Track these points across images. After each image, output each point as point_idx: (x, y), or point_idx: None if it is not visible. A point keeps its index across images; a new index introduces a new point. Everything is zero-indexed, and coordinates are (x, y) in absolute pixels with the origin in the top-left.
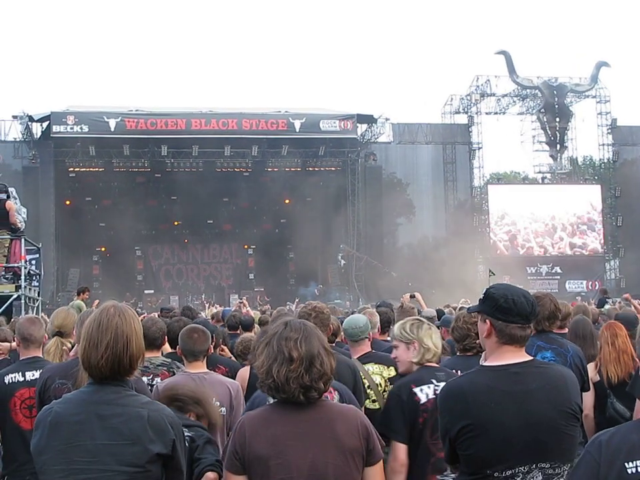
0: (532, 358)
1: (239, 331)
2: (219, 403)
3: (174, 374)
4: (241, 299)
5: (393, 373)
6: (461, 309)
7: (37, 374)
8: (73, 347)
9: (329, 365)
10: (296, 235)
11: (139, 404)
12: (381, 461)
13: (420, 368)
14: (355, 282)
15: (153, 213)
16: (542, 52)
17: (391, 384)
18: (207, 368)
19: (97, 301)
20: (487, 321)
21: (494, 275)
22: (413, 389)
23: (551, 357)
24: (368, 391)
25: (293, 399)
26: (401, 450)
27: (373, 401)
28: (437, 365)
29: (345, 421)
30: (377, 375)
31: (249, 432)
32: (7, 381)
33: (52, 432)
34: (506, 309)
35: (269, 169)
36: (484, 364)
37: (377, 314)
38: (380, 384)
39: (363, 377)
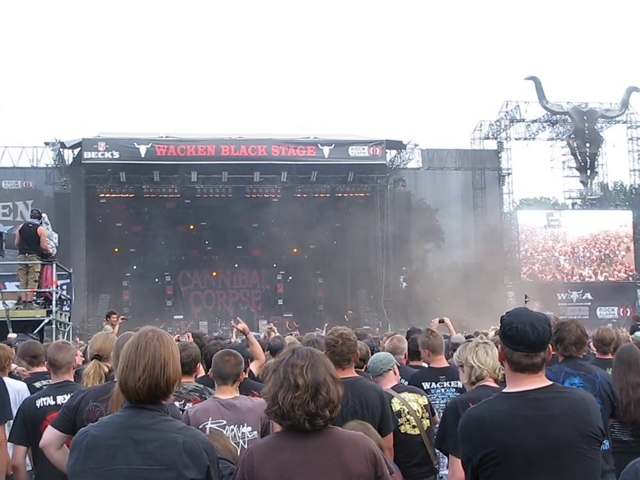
0: (552, 383)
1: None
2: (250, 428)
3: (205, 399)
4: (270, 325)
5: (425, 401)
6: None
7: (67, 397)
8: (110, 371)
9: (335, 392)
10: (325, 260)
11: (175, 429)
12: None
13: (477, 387)
14: (384, 308)
15: (182, 238)
16: (572, 77)
17: (426, 411)
18: (242, 393)
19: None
20: (499, 346)
21: (528, 299)
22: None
23: (579, 383)
24: (408, 417)
25: (299, 427)
26: (459, 465)
27: (413, 427)
28: (494, 385)
29: (352, 448)
30: (414, 402)
31: (257, 460)
32: (38, 405)
33: (88, 455)
34: (510, 337)
35: (298, 195)
36: (503, 390)
37: (404, 340)
38: (418, 410)
39: (400, 403)
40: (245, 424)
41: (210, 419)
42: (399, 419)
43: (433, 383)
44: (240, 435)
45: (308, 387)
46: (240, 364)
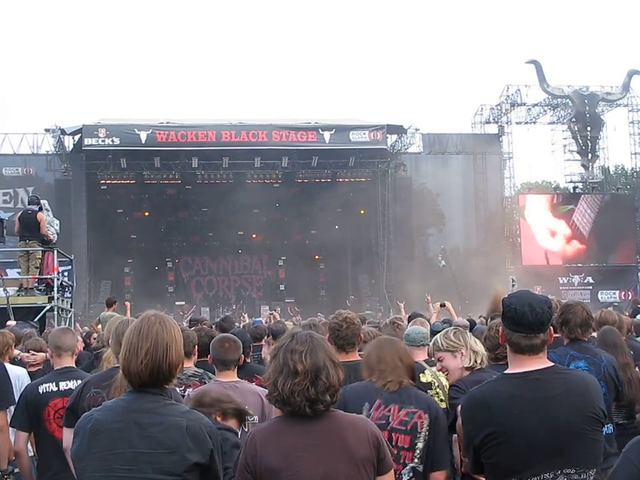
0: (553, 364)
1: (263, 342)
2: (251, 412)
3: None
4: (272, 311)
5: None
6: (492, 318)
7: (70, 384)
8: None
9: (335, 377)
10: (326, 246)
11: (178, 413)
12: (392, 470)
13: (475, 371)
14: (386, 293)
15: (183, 224)
16: (573, 61)
17: None
18: (244, 378)
19: (128, 304)
20: (500, 328)
21: (515, 284)
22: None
23: (585, 367)
24: (437, 390)
25: (300, 412)
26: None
27: (441, 401)
28: (485, 368)
29: (354, 431)
30: (443, 377)
31: (260, 444)
32: (41, 391)
33: (92, 439)
34: (509, 318)
35: (299, 180)
36: (505, 372)
37: (428, 324)
38: (446, 385)
39: (432, 375)
40: (246, 407)
41: None
42: (429, 391)
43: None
44: None
45: (307, 372)
46: (239, 349)
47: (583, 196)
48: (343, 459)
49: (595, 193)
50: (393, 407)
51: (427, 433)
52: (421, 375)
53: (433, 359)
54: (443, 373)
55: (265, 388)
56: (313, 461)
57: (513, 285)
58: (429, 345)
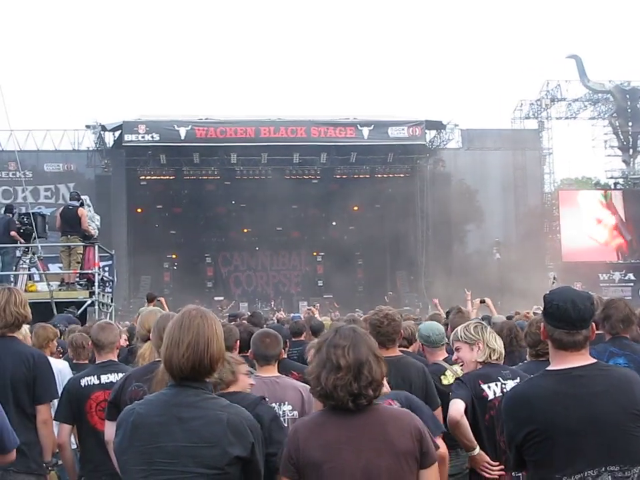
0: (596, 361)
1: (302, 337)
2: (291, 407)
3: None
4: (310, 307)
5: None
6: (534, 314)
7: (111, 377)
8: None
9: (379, 371)
10: (364, 241)
11: (219, 407)
12: (436, 463)
13: (485, 365)
14: (424, 289)
15: (222, 220)
16: (614, 55)
17: None
18: (280, 373)
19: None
20: (542, 324)
21: (555, 281)
22: (481, 385)
23: (624, 363)
24: None
25: (342, 406)
26: (454, 403)
27: None
28: (501, 364)
29: (397, 424)
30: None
31: (302, 437)
32: (82, 384)
33: (134, 432)
34: (551, 314)
35: (337, 176)
36: (547, 368)
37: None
38: None
39: (452, 376)
40: (286, 402)
41: None
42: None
43: None
44: (281, 412)
45: (350, 367)
46: (279, 343)
47: (623, 191)
48: (384, 452)
49: (636, 188)
50: None
51: None
52: (442, 376)
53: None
54: (458, 363)
55: (306, 383)
56: (354, 454)
57: (554, 282)
58: (447, 342)
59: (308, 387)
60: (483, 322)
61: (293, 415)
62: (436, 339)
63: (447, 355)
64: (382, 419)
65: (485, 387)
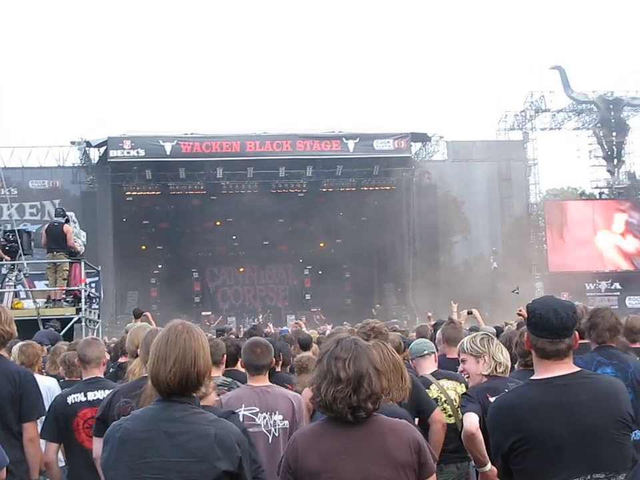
0: (579, 369)
1: (293, 350)
2: (282, 416)
3: None
4: (297, 320)
5: (464, 389)
6: (521, 324)
7: (98, 394)
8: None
9: (378, 384)
10: (351, 254)
11: (206, 422)
12: (434, 475)
13: (492, 378)
14: (412, 301)
15: (209, 235)
16: (597, 66)
17: None
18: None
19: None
20: (525, 334)
21: (517, 291)
22: (489, 398)
23: (612, 373)
24: (444, 405)
25: (342, 418)
26: (469, 417)
27: (449, 416)
28: (506, 376)
29: (396, 436)
30: (452, 390)
31: (301, 447)
32: (69, 402)
33: (121, 448)
34: (534, 324)
35: (323, 189)
36: (531, 377)
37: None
38: (455, 399)
39: (438, 391)
40: (277, 412)
41: (243, 405)
42: None
43: None
44: (272, 422)
45: (350, 380)
46: (270, 354)
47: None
48: (383, 463)
49: (620, 198)
50: None
51: None
52: (427, 390)
53: (441, 371)
54: (464, 374)
55: (297, 392)
56: (353, 465)
57: (517, 292)
58: (434, 352)
59: (299, 395)
60: (489, 334)
61: (284, 425)
62: (417, 348)
63: (435, 368)
64: (381, 430)
65: (492, 399)
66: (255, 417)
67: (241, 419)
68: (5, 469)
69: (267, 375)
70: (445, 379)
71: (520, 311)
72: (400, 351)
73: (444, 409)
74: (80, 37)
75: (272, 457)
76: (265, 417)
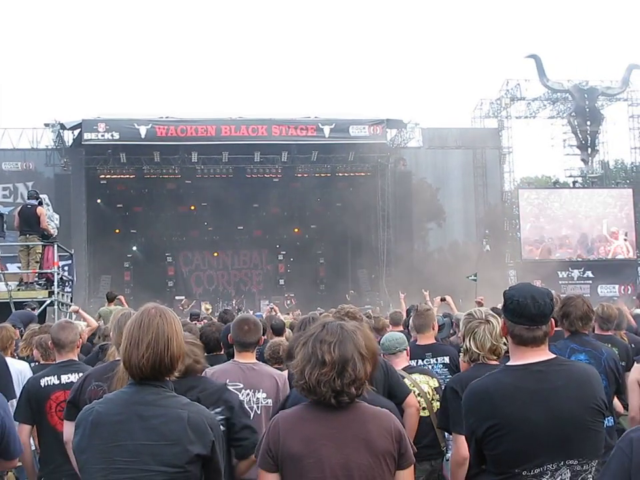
0: (555, 356)
1: (266, 336)
2: (265, 394)
3: None
4: (271, 305)
5: (436, 384)
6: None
7: (72, 377)
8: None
9: (362, 370)
10: (326, 240)
11: (179, 405)
12: (412, 465)
13: (475, 365)
14: (386, 287)
15: (183, 219)
16: (572, 55)
17: (436, 394)
18: None
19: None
20: (502, 320)
21: (475, 279)
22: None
23: (585, 360)
24: (418, 398)
25: (325, 402)
26: (463, 442)
27: (423, 409)
28: (495, 363)
29: (378, 424)
30: (424, 383)
31: (283, 430)
32: (42, 384)
33: (93, 431)
34: (511, 310)
35: (298, 175)
36: (507, 364)
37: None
38: (428, 392)
39: (411, 385)
40: (261, 390)
41: (227, 380)
42: None
43: (420, 360)
44: (255, 399)
45: (335, 363)
46: (258, 331)
47: (581, 190)
48: (364, 450)
49: (594, 187)
50: None
51: None
52: None
53: (413, 365)
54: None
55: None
56: (334, 450)
57: (472, 278)
58: (406, 348)
59: (285, 374)
60: (476, 316)
61: (267, 403)
62: (390, 345)
63: (407, 364)
64: (363, 417)
65: None
66: (238, 393)
67: None
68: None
69: (255, 352)
70: (417, 373)
71: (481, 299)
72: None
73: (418, 401)
74: (54, 18)
75: None
76: (248, 394)
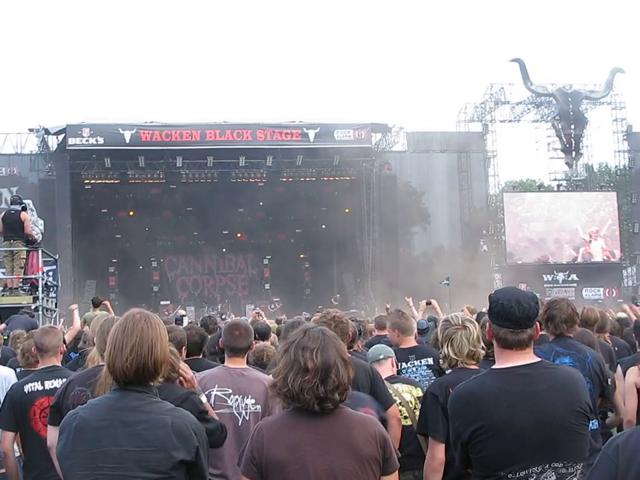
0: (540, 359)
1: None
2: (254, 400)
3: None
4: (257, 310)
5: (420, 393)
6: (480, 314)
7: (55, 382)
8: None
9: (346, 375)
10: (311, 244)
11: (163, 411)
12: (397, 471)
13: (455, 370)
14: (371, 291)
15: (168, 224)
16: (556, 59)
17: (419, 402)
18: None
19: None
20: (487, 323)
21: (448, 284)
22: (450, 392)
23: (570, 363)
24: (400, 407)
25: (308, 409)
26: (439, 448)
27: (405, 418)
28: (474, 367)
29: (362, 429)
30: (407, 393)
31: (267, 437)
32: (26, 390)
33: (77, 437)
34: (496, 313)
35: (283, 179)
36: (492, 367)
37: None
38: (410, 401)
39: (394, 394)
40: (250, 395)
41: (216, 385)
42: None
43: (404, 363)
44: (243, 405)
45: (318, 370)
46: (249, 336)
47: (565, 194)
48: (349, 456)
49: (578, 190)
50: None
51: None
52: None
53: (396, 375)
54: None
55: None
56: (319, 456)
57: (447, 284)
58: (390, 357)
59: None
60: (453, 321)
61: (256, 409)
62: (374, 353)
63: (391, 373)
64: (348, 423)
65: None
66: (227, 398)
67: (213, 399)
68: None
69: (245, 357)
70: (399, 382)
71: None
72: (355, 340)
73: (399, 411)
74: (39, 22)
75: (241, 439)
76: (237, 399)
